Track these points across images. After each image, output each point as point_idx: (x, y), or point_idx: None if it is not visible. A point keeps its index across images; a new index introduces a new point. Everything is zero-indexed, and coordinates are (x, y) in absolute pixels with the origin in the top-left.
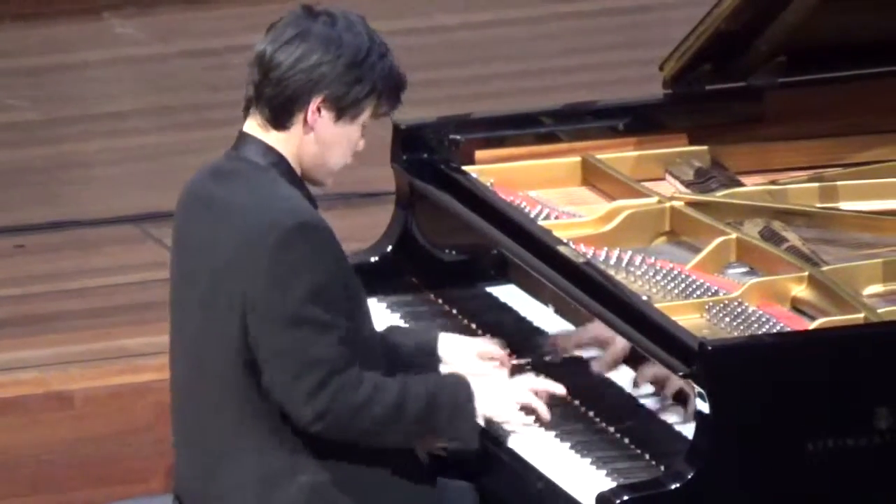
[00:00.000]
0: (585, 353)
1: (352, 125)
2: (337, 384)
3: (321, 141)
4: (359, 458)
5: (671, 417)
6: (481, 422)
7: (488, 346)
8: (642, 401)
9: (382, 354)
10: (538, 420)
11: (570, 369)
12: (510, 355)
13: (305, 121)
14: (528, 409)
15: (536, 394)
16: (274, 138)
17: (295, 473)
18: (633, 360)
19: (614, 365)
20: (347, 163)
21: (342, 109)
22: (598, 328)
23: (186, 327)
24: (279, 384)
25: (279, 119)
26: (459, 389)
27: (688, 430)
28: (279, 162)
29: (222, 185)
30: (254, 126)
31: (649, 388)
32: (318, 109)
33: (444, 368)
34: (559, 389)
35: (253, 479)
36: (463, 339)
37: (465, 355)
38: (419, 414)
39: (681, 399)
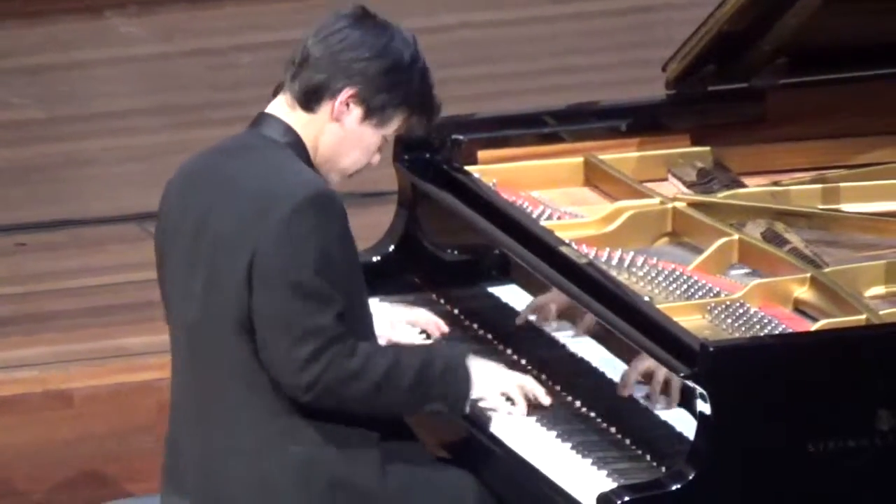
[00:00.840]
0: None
1: (375, 131)
2: (331, 354)
3: (343, 135)
4: (353, 431)
5: (671, 417)
6: (473, 395)
7: (418, 314)
8: (643, 401)
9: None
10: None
11: (570, 369)
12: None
13: (333, 109)
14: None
15: (524, 394)
16: (297, 119)
17: (287, 444)
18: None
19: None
20: (359, 170)
21: (370, 111)
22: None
23: (188, 305)
24: (275, 351)
25: (308, 100)
26: (454, 354)
27: (689, 430)
28: (295, 143)
29: (231, 158)
30: (278, 106)
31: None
32: (348, 103)
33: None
34: (545, 400)
35: (247, 450)
36: (393, 308)
37: (389, 322)
38: (411, 381)
39: (671, 393)
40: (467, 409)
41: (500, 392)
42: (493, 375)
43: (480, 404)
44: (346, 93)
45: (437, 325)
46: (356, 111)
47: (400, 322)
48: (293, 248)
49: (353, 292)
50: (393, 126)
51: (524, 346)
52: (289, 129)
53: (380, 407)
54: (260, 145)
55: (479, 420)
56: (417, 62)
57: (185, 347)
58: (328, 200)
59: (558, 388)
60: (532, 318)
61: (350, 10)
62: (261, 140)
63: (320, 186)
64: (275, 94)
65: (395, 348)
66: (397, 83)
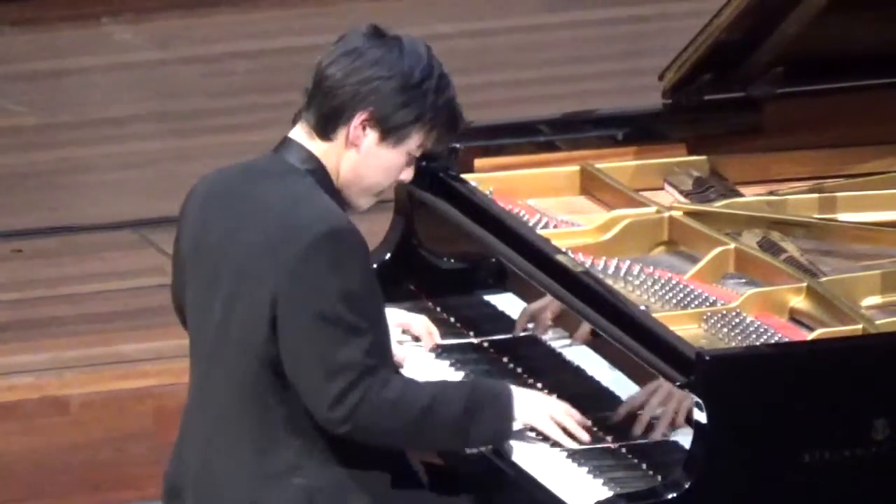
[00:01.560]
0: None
1: (395, 150)
2: (365, 386)
3: (362, 159)
4: (356, 468)
5: (668, 427)
6: (518, 425)
7: (413, 319)
8: (640, 410)
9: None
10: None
11: (565, 377)
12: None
13: (349, 135)
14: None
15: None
16: (317, 147)
17: (291, 476)
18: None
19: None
20: (387, 190)
21: (387, 131)
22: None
23: (206, 325)
24: (309, 385)
25: (324, 128)
26: (496, 382)
27: (685, 439)
28: (318, 170)
29: (254, 182)
30: (299, 133)
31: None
32: (364, 126)
33: None
34: (584, 435)
35: (250, 477)
36: (388, 311)
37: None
38: (458, 409)
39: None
40: (511, 437)
41: (549, 416)
42: (540, 401)
43: (527, 433)
44: (361, 116)
45: (430, 334)
46: (372, 134)
47: (394, 325)
48: (312, 281)
49: (377, 326)
50: (414, 142)
51: (520, 354)
52: (311, 157)
53: (421, 440)
54: (283, 172)
55: None
56: (431, 76)
57: (200, 362)
58: (346, 234)
59: (554, 396)
60: (529, 325)
61: (361, 28)
62: (284, 166)
63: (337, 220)
64: (294, 122)
65: (436, 381)
66: (411, 100)
